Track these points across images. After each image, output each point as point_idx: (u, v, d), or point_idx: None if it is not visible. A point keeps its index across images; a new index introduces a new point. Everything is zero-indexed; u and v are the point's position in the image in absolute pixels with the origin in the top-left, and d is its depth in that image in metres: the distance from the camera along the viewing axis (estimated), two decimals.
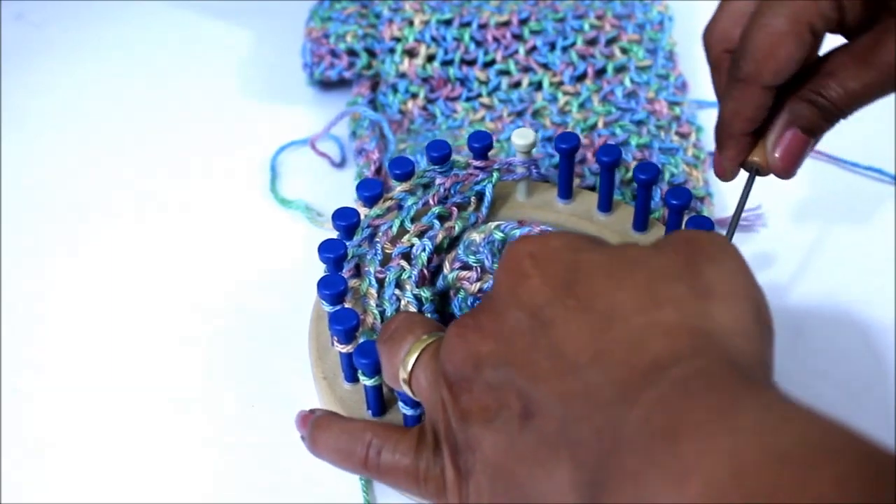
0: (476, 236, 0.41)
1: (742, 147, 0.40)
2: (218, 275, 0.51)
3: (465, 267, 0.42)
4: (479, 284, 0.41)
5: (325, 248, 0.43)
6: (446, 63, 0.58)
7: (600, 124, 0.54)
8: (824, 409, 0.43)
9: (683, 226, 0.44)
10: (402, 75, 0.58)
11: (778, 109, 0.39)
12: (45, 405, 0.46)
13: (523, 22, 0.58)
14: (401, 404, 0.38)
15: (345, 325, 0.38)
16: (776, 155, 0.39)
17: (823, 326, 0.47)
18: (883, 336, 0.46)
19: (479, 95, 0.57)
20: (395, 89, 0.58)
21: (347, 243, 0.43)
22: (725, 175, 0.41)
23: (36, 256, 0.53)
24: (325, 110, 0.59)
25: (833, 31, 0.37)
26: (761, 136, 0.40)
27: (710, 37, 0.40)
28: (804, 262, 0.50)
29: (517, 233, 0.41)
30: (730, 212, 0.52)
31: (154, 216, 0.55)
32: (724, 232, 0.49)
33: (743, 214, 0.52)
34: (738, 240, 0.51)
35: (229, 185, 0.56)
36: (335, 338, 0.39)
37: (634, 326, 0.27)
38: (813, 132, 0.38)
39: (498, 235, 0.41)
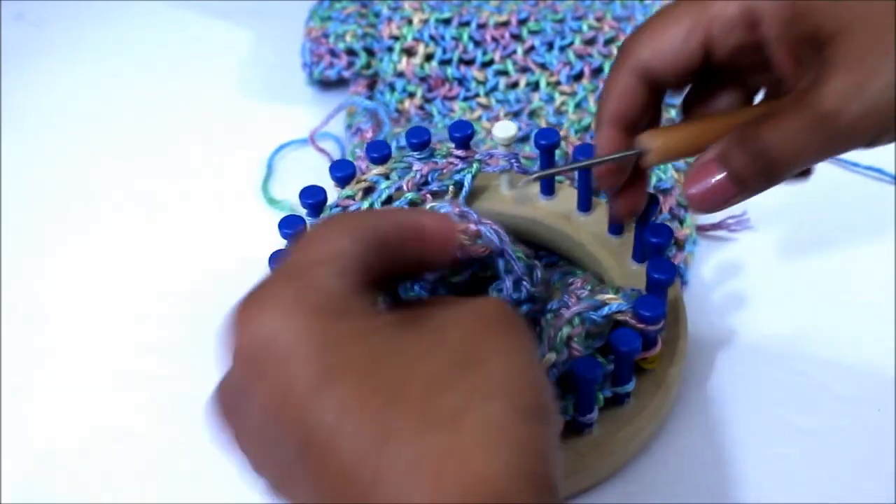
0: None
1: (609, 132, 0.37)
2: (216, 274, 0.51)
3: None
4: None
5: (285, 224, 0.43)
6: (444, 62, 0.58)
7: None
8: (824, 410, 0.43)
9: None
10: (400, 74, 0.58)
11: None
12: (45, 405, 0.46)
13: (522, 22, 0.58)
14: None
15: None
16: (691, 190, 0.34)
17: (823, 327, 0.47)
18: (883, 336, 0.46)
19: (477, 95, 0.57)
20: (392, 88, 0.58)
21: (311, 221, 0.43)
22: (597, 147, 0.38)
23: (36, 256, 0.53)
24: (325, 110, 0.59)
25: (747, 49, 0.34)
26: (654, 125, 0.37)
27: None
28: (804, 262, 0.50)
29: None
30: (713, 219, 0.52)
31: (154, 215, 0.55)
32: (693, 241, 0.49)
33: (731, 220, 0.51)
34: (734, 244, 0.51)
35: (228, 185, 0.56)
36: None
37: (405, 458, 0.25)
38: (740, 182, 0.33)
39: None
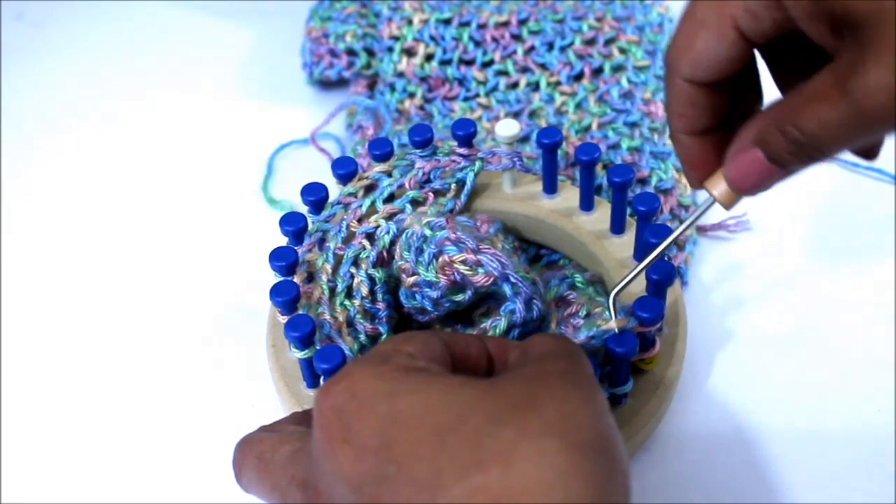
0: (416, 226, 0.41)
1: (689, 150, 0.35)
2: (215, 274, 0.51)
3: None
4: (413, 279, 0.41)
5: (286, 220, 0.43)
6: (444, 62, 0.58)
7: (594, 126, 0.54)
8: (824, 410, 0.43)
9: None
10: (400, 74, 0.58)
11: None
12: (45, 405, 0.46)
13: (522, 22, 0.58)
14: None
15: (284, 296, 0.39)
16: (731, 171, 0.33)
17: (823, 327, 0.47)
18: (883, 336, 0.46)
19: (477, 95, 0.57)
20: (392, 88, 0.58)
21: (312, 218, 0.43)
22: (688, 182, 0.37)
23: (36, 256, 0.53)
24: (325, 109, 0.60)
25: (780, 38, 0.32)
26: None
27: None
28: (803, 262, 0.50)
29: (440, 235, 0.40)
30: (714, 219, 0.52)
31: (154, 215, 0.55)
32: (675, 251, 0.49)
33: (731, 222, 0.51)
34: (735, 244, 0.51)
35: (228, 184, 0.56)
36: (277, 308, 0.40)
37: (457, 498, 0.26)
38: (780, 164, 0.32)
39: (427, 233, 0.40)
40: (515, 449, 0.26)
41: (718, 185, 0.35)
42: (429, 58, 0.58)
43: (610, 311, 0.38)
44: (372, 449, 0.27)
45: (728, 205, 0.35)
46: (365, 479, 0.27)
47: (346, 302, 0.42)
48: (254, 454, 0.33)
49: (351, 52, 0.59)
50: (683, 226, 0.37)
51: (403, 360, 0.30)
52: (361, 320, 0.41)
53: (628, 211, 0.45)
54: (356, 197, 0.44)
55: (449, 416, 0.27)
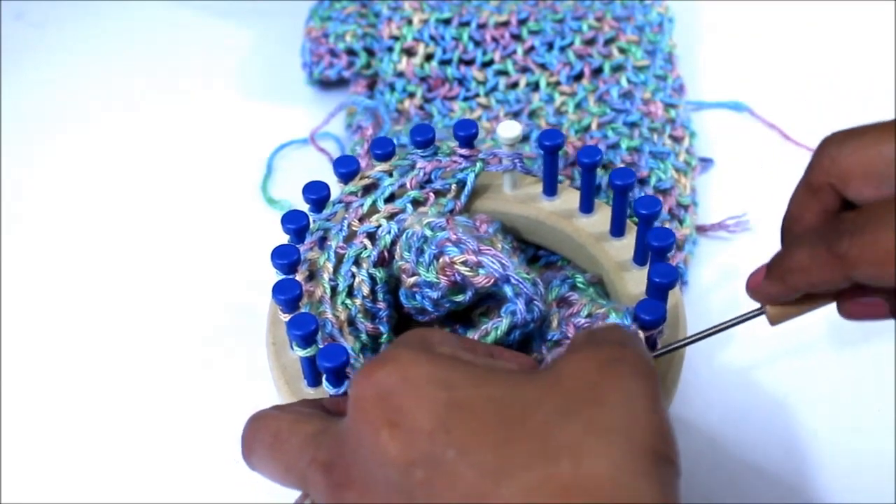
0: (416, 226, 0.41)
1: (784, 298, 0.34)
2: (214, 273, 0.51)
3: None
4: (414, 279, 0.41)
5: (288, 218, 0.43)
6: (444, 62, 0.58)
7: (594, 126, 0.54)
8: (824, 411, 0.43)
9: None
10: (400, 74, 0.58)
11: None
12: (46, 405, 0.46)
13: (522, 22, 0.58)
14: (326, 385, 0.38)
15: (287, 294, 0.39)
16: (846, 312, 0.34)
17: (823, 327, 0.47)
18: (883, 336, 0.46)
19: (477, 95, 0.57)
20: (392, 88, 0.58)
21: (314, 216, 0.43)
22: (754, 294, 0.36)
23: (36, 256, 0.53)
24: (324, 109, 0.60)
25: None
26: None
27: (830, 163, 0.33)
28: None
29: (441, 236, 0.40)
30: (714, 219, 0.52)
31: (153, 214, 0.55)
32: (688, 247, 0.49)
33: (730, 222, 0.51)
34: (735, 245, 0.51)
35: (228, 184, 0.56)
36: (279, 306, 0.40)
37: (525, 486, 0.25)
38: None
39: (428, 233, 0.40)
40: (583, 443, 0.26)
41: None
42: (429, 58, 0.58)
43: None
44: (426, 432, 0.26)
45: (775, 322, 0.35)
46: (415, 461, 0.26)
47: (348, 301, 0.42)
48: (269, 431, 0.32)
49: (351, 52, 0.59)
50: (719, 327, 0.37)
51: (447, 351, 0.30)
52: (362, 319, 0.41)
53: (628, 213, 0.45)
54: (357, 196, 0.44)
55: (515, 407, 0.27)
